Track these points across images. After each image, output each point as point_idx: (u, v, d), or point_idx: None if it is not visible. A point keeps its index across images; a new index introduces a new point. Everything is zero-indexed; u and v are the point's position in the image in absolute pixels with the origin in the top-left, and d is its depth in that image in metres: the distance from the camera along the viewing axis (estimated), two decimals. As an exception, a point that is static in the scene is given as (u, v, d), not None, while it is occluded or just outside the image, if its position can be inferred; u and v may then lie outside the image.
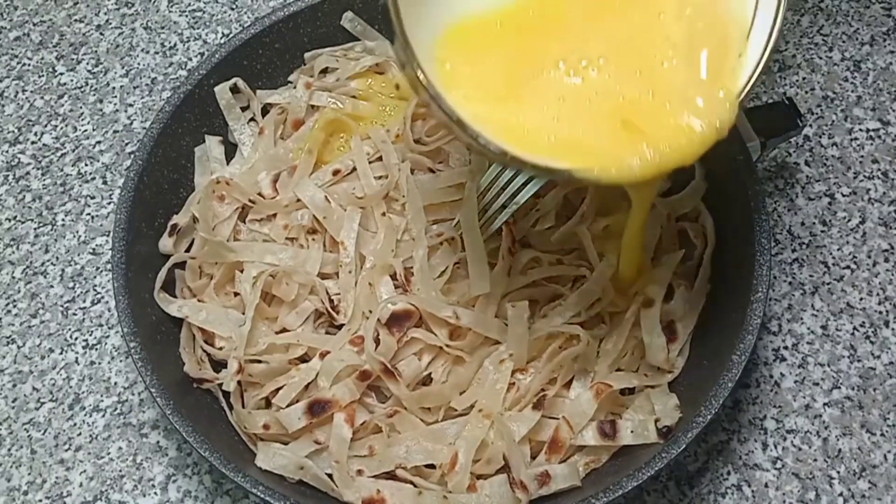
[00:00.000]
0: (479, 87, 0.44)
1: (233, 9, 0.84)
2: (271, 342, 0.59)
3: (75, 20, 0.85)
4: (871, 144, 0.74)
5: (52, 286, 0.70)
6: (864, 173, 0.72)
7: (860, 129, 0.74)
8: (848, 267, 0.68)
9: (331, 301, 0.60)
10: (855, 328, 0.66)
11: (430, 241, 0.61)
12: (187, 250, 0.64)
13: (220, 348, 0.60)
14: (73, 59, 0.82)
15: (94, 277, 0.71)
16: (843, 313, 0.66)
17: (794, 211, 0.71)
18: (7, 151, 0.77)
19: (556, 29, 0.45)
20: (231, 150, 0.68)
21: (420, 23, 0.42)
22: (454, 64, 0.44)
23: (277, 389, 0.57)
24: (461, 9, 0.45)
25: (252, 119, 0.68)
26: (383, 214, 0.63)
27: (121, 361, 0.67)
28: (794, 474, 0.61)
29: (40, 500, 0.62)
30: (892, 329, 0.66)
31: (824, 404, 0.63)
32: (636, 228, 0.53)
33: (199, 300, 0.62)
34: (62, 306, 0.69)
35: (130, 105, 0.79)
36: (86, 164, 0.76)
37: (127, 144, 0.77)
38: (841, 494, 0.60)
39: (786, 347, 0.65)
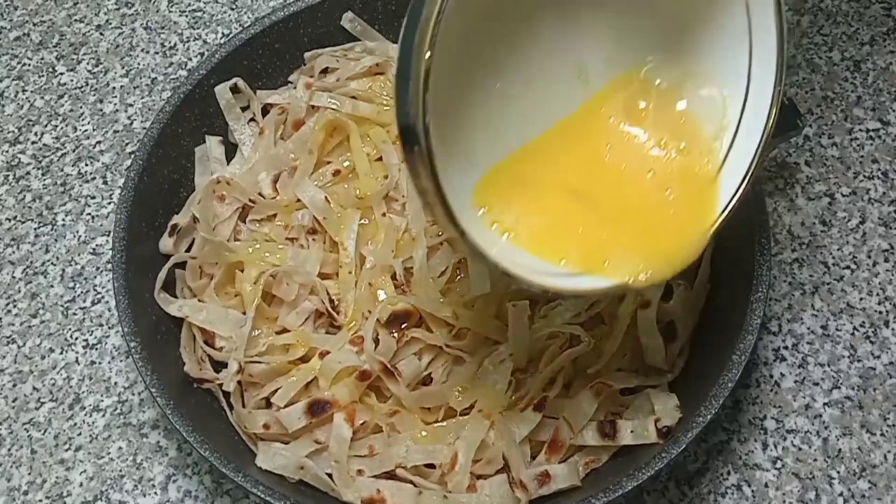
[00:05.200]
0: (520, 231, 0.46)
1: (233, 9, 0.84)
2: (271, 342, 0.59)
3: (75, 20, 0.85)
4: (871, 144, 0.74)
5: (52, 286, 0.70)
6: (864, 173, 0.72)
7: (860, 129, 0.74)
8: (848, 267, 0.68)
9: (331, 301, 0.60)
10: (855, 328, 0.66)
11: (430, 241, 0.61)
12: (187, 250, 0.64)
13: (221, 349, 0.60)
14: (73, 59, 0.82)
15: (95, 277, 0.71)
16: (843, 313, 0.67)
17: (794, 211, 0.71)
18: (7, 151, 0.77)
19: (569, 164, 0.48)
20: (231, 150, 0.68)
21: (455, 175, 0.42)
22: (492, 210, 0.45)
23: (277, 389, 0.57)
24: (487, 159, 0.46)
25: (252, 119, 0.68)
26: (383, 215, 0.63)
27: (121, 361, 0.67)
28: (794, 474, 0.61)
29: (40, 500, 0.62)
30: (893, 329, 0.66)
31: (824, 404, 0.63)
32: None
33: (199, 300, 0.62)
34: (62, 306, 0.69)
35: (130, 105, 0.79)
36: (86, 164, 0.76)
37: (127, 144, 0.77)
38: (841, 494, 0.60)
39: (786, 347, 0.65)
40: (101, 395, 0.66)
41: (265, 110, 0.68)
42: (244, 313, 0.60)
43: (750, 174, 0.46)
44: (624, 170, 0.47)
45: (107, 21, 0.84)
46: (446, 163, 0.40)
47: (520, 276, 0.43)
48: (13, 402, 0.66)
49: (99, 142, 0.77)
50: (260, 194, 0.64)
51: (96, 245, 0.72)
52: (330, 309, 0.60)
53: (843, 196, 0.71)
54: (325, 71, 0.70)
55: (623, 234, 0.46)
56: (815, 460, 0.61)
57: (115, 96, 0.80)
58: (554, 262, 0.45)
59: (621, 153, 0.48)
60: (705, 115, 0.48)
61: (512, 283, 0.43)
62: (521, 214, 0.45)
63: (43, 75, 0.81)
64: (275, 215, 0.64)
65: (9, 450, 0.64)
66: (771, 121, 0.46)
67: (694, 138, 0.48)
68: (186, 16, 0.84)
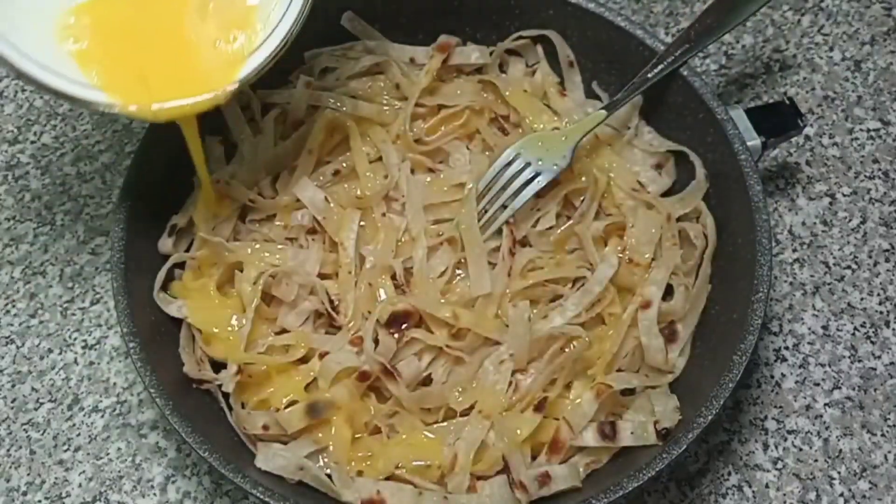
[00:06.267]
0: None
1: (232, 8, 0.84)
2: (271, 343, 0.59)
3: (74, 20, 0.84)
4: (872, 144, 0.74)
5: (51, 286, 0.70)
6: (865, 173, 0.72)
7: (861, 129, 0.74)
8: (849, 267, 0.68)
9: (331, 301, 0.60)
10: (856, 328, 0.66)
11: (430, 241, 0.61)
12: (187, 250, 0.63)
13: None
14: (72, 59, 0.82)
15: (94, 277, 0.70)
16: (843, 313, 0.66)
17: (795, 211, 0.71)
18: (6, 151, 0.77)
19: None
20: (231, 150, 0.68)
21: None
22: (77, 20, 0.54)
23: (277, 391, 0.57)
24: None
25: (252, 119, 0.68)
26: (383, 215, 0.63)
27: (120, 362, 0.67)
28: (794, 475, 0.61)
29: (39, 501, 0.62)
30: (893, 329, 0.66)
31: (825, 405, 0.63)
32: (192, 144, 0.60)
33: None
34: (61, 306, 0.69)
35: (130, 105, 0.79)
36: (85, 164, 0.76)
37: (126, 144, 0.77)
38: (842, 495, 0.60)
39: (787, 348, 0.65)
40: (100, 396, 0.66)
41: (265, 110, 0.68)
42: (244, 313, 0.60)
43: (267, 63, 0.54)
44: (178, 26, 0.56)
45: (106, 20, 0.84)
46: None
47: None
48: (12, 402, 0.66)
49: (98, 141, 0.77)
50: (260, 194, 0.64)
51: (95, 245, 0.72)
52: (330, 309, 0.59)
53: (844, 196, 0.71)
54: (324, 71, 0.69)
55: (157, 73, 0.55)
56: (816, 461, 0.61)
57: (115, 96, 0.79)
58: (86, 73, 0.53)
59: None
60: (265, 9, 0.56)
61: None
62: (91, 30, 0.54)
63: (42, 75, 0.81)
64: (274, 215, 0.64)
65: (8, 450, 0.64)
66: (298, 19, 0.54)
67: (245, 25, 0.56)
68: (186, 15, 0.84)
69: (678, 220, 0.62)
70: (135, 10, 0.56)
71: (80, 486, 0.62)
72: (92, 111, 0.58)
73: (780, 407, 0.63)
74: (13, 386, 0.66)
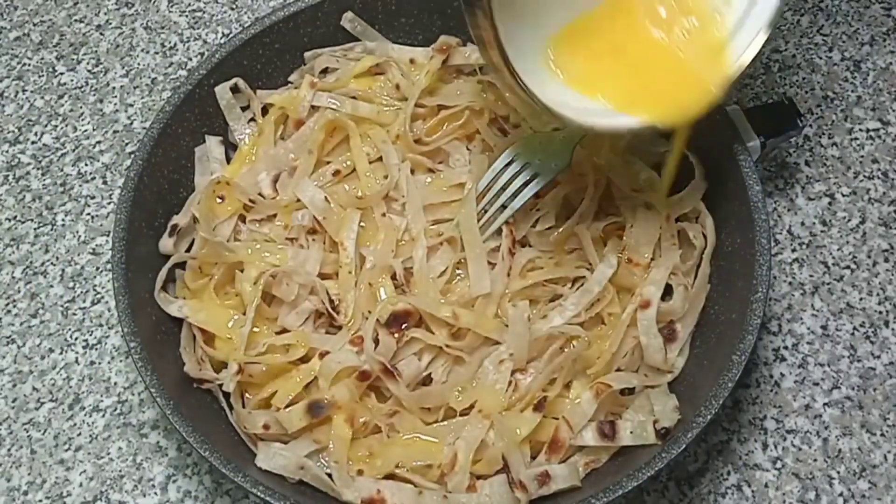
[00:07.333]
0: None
1: (233, 9, 0.84)
2: (271, 343, 0.59)
3: (75, 20, 0.85)
4: (871, 144, 0.74)
5: (52, 286, 0.70)
6: (864, 173, 0.72)
7: (860, 129, 0.74)
8: (848, 267, 0.68)
9: (331, 301, 0.60)
10: (855, 328, 0.66)
11: (430, 241, 0.61)
12: (187, 250, 0.63)
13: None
14: (73, 59, 0.82)
15: (94, 277, 0.71)
16: (843, 313, 0.67)
17: (794, 211, 0.71)
18: (7, 151, 0.77)
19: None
20: (231, 150, 0.68)
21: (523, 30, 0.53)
22: (558, 56, 0.56)
23: (277, 390, 0.57)
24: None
25: (252, 119, 0.68)
26: (383, 215, 0.63)
27: (121, 361, 0.67)
28: (794, 474, 0.61)
29: (40, 500, 0.62)
30: (892, 329, 0.66)
31: (824, 404, 0.63)
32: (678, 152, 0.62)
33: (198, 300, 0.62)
34: (62, 306, 0.69)
35: (130, 105, 0.79)
36: (86, 164, 0.76)
37: (127, 144, 0.77)
38: (841, 494, 0.60)
39: (786, 347, 0.65)
40: (101, 396, 0.66)
41: (265, 110, 0.68)
42: (244, 313, 0.60)
43: (759, 35, 0.55)
44: (654, 38, 0.58)
45: (107, 21, 0.84)
46: (511, 20, 0.50)
47: (562, 115, 0.53)
48: (13, 402, 0.66)
49: (99, 142, 0.77)
50: (260, 194, 0.64)
51: (96, 245, 0.72)
52: (330, 309, 0.60)
53: (843, 196, 0.71)
54: (325, 71, 0.70)
55: (652, 85, 0.57)
56: (815, 460, 0.61)
57: (115, 96, 0.80)
58: (594, 98, 0.56)
59: (653, 25, 0.58)
60: None
61: (554, 121, 0.56)
62: (578, 59, 0.57)
63: (43, 75, 0.81)
64: (275, 215, 0.64)
65: (9, 450, 0.64)
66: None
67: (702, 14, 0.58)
68: (186, 16, 0.84)
69: (677, 220, 0.62)
70: (608, 32, 0.57)
71: (80, 485, 0.62)
72: (614, 133, 0.60)
73: (780, 406, 0.63)
74: (14, 386, 0.66)
